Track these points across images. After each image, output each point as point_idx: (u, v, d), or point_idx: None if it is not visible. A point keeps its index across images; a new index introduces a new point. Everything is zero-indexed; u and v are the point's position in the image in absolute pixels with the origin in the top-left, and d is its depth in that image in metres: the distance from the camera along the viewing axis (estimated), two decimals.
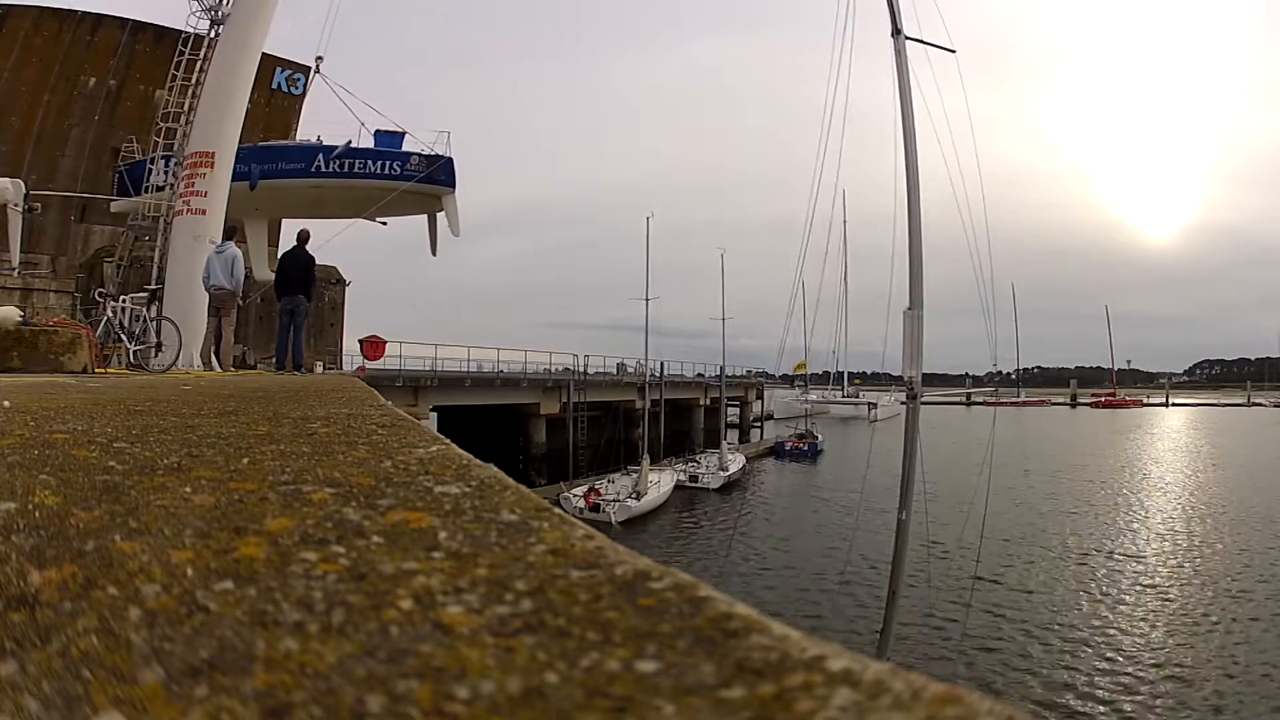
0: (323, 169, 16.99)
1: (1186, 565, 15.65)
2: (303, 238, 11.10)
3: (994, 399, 60.59)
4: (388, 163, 17.09)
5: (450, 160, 17.35)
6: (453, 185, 17.33)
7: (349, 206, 17.71)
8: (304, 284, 10.57)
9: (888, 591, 9.97)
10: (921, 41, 11.25)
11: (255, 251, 18.03)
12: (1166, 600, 13.39)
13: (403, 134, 17.64)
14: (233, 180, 16.26)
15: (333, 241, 17.94)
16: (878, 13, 11.17)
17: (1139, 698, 9.59)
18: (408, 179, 16.96)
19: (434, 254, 19.29)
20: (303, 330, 10.88)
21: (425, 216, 18.80)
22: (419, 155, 17.27)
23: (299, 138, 21.48)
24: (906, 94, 10.68)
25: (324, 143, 17.89)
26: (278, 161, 17.20)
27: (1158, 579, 14.70)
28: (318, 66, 17.22)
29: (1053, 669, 10.46)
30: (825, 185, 13.99)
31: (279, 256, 11.20)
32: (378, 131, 17.57)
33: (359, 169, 17.03)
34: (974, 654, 10.84)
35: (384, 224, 19.05)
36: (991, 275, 12.35)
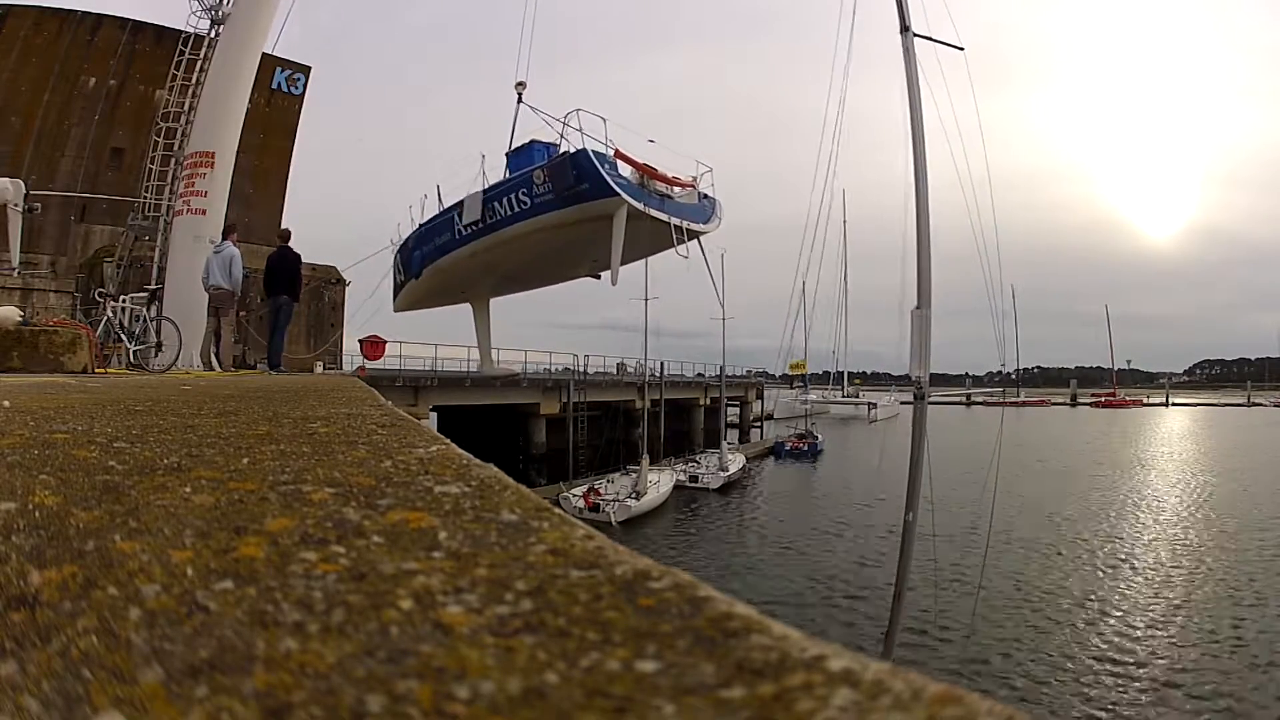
0: (463, 232, 12.84)
1: (1199, 564, 15.54)
2: (284, 236, 11.18)
3: (1001, 399, 60.56)
4: (514, 195, 12.09)
5: (582, 153, 11.29)
6: (607, 190, 11.09)
7: (541, 265, 13.78)
8: (290, 284, 10.62)
9: (893, 592, 9.92)
10: (930, 39, 11.18)
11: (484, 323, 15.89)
12: (1177, 598, 13.33)
13: (531, 144, 12.86)
14: (401, 275, 14.64)
15: (331, 241, 16.24)
16: (884, 15, 11.16)
17: (1145, 697, 9.57)
18: (543, 209, 11.72)
19: (719, 299, 13.93)
20: (284, 329, 10.91)
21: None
22: (541, 168, 11.87)
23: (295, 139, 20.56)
24: (915, 91, 10.58)
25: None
26: (432, 240, 13.62)
27: (1169, 577, 14.63)
28: (520, 94, 13.11)
29: (1058, 670, 10.43)
30: (829, 185, 13.94)
31: (268, 257, 11.20)
32: (508, 154, 13.07)
33: (495, 217, 12.37)
34: (981, 654, 10.80)
35: (596, 278, 14.28)
36: (1001, 277, 12.31)
